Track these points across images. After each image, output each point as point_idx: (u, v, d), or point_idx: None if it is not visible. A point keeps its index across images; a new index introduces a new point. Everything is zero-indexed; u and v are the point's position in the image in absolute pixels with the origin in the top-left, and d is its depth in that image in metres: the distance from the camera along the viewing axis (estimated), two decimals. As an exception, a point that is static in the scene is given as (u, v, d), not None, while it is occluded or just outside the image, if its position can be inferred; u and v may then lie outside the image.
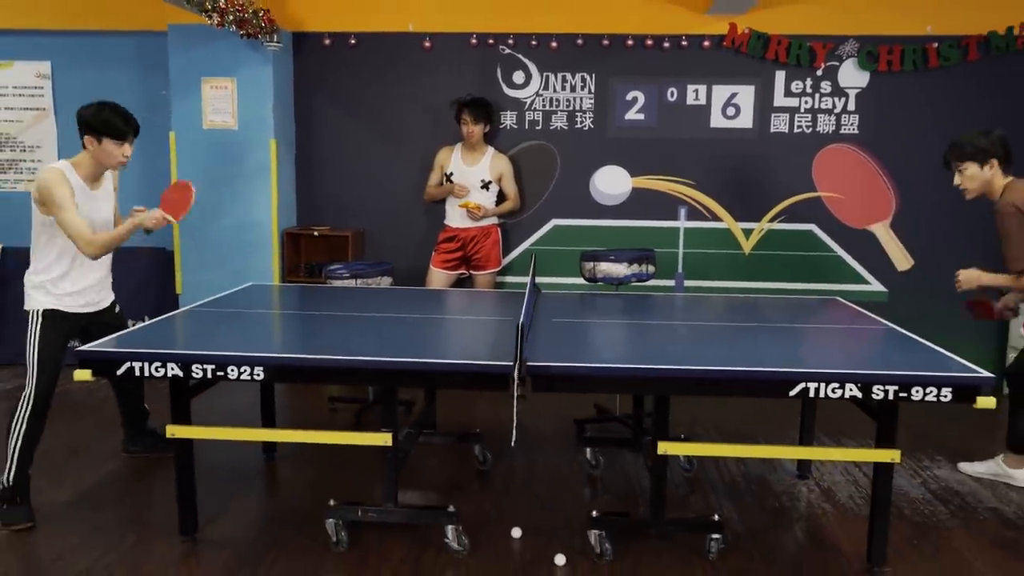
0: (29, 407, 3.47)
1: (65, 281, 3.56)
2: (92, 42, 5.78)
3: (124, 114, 3.48)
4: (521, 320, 2.88)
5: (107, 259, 3.75)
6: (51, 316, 3.53)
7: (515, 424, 2.75)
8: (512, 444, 2.91)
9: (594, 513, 3.25)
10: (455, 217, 5.42)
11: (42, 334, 3.50)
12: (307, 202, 5.87)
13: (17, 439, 3.47)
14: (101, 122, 3.42)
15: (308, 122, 5.79)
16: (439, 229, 5.54)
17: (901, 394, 2.80)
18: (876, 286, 5.69)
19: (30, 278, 3.55)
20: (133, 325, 3.74)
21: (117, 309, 3.90)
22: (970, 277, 3.62)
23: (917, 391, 2.78)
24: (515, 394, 2.74)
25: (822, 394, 2.82)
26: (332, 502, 3.30)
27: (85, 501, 3.70)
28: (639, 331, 3.76)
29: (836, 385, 2.81)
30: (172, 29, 5.32)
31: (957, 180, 3.63)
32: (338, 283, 4.60)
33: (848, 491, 3.90)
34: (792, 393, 2.83)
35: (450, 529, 3.26)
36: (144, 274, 5.53)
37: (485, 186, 5.37)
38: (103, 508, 3.64)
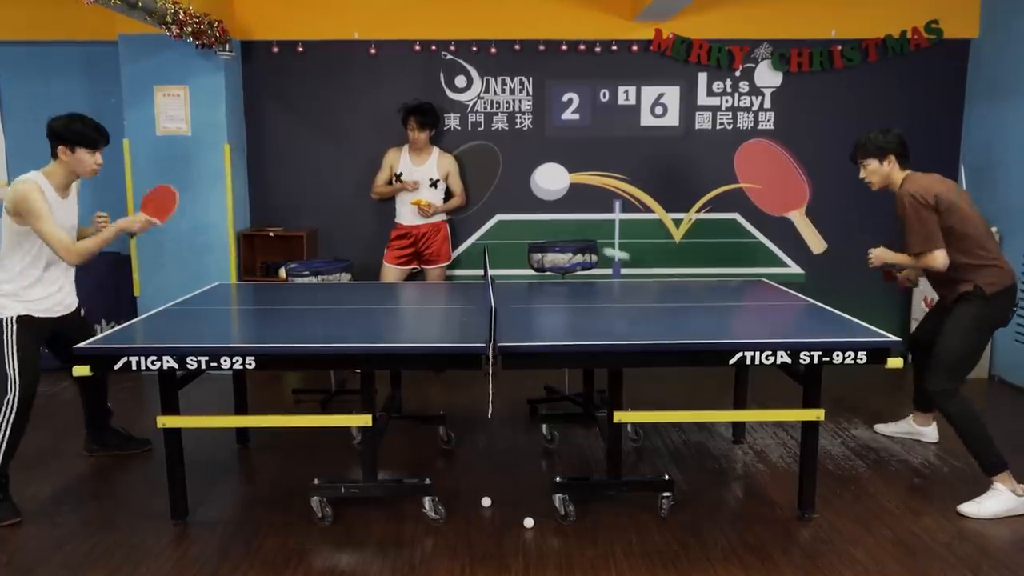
0: (13, 412, 3.57)
1: (35, 288, 3.67)
2: (39, 52, 5.82)
3: (95, 124, 3.66)
4: (492, 305, 3.20)
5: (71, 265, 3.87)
6: (24, 321, 3.63)
7: (491, 399, 3.04)
8: (489, 416, 3.21)
9: (557, 478, 3.59)
10: (406, 215, 5.67)
11: (19, 340, 3.60)
12: (260, 204, 6.03)
13: (2, 443, 3.56)
14: (74, 133, 3.58)
15: (259, 127, 5.96)
16: (389, 226, 5.78)
17: (824, 358, 3.22)
18: (794, 268, 6.18)
19: (1, 287, 3.63)
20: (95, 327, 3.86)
21: (82, 312, 4.03)
22: (879, 255, 3.94)
23: (838, 355, 3.21)
24: (490, 372, 3.04)
25: (757, 361, 3.22)
26: (316, 480, 3.55)
27: (68, 496, 3.83)
28: (591, 313, 4.13)
29: (769, 353, 3.21)
30: (123, 39, 5.41)
31: (862, 174, 3.95)
32: (300, 280, 4.81)
33: (779, 452, 4.34)
34: (731, 361, 3.22)
35: (427, 500, 3.55)
36: (100, 278, 5.60)
37: (433, 184, 5.64)
38: (87, 501, 3.79)
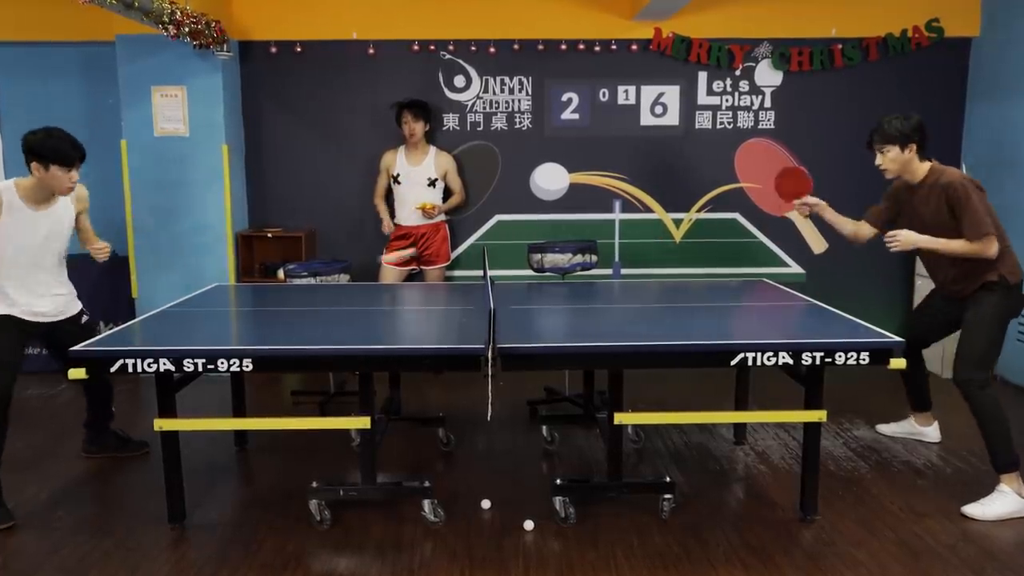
0: None
1: (9, 289, 3.63)
2: (37, 53, 5.79)
3: (71, 141, 3.55)
4: (491, 306, 3.17)
5: (59, 273, 3.83)
6: (3, 321, 3.60)
7: (490, 400, 3.01)
8: (488, 419, 3.18)
9: (558, 480, 3.56)
10: (406, 216, 5.64)
11: None
12: (259, 204, 6.00)
13: None
14: (49, 149, 3.49)
15: (257, 127, 5.93)
16: (389, 227, 5.76)
17: (827, 359, 3.19)
18: (795, 268, 6.15)
19: None
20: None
21: (84, 319, 3.96)
22: (909, 238, 3.69)
23: (840, 356, 3.18)
24: (489, 373, 3.01)
25: (759, 363, 3.19)
26: (315, 483, 3.53)
27: (64, 499, 3.80)
28: (590, 314, 4.10)
29: (771, 354, 3.18)
30: (120, 39, 5.38)
31: (879, 160, 3.80)
32: (298, 281, 4.78)
33: (780, 453, 4.32)
34: (733, 363, 3.19)
35: (426, 503, 3.52)
36: (97, 279, 5.56)
37: (432, 184, 5.62)
38: (85, 504, 3.77)
